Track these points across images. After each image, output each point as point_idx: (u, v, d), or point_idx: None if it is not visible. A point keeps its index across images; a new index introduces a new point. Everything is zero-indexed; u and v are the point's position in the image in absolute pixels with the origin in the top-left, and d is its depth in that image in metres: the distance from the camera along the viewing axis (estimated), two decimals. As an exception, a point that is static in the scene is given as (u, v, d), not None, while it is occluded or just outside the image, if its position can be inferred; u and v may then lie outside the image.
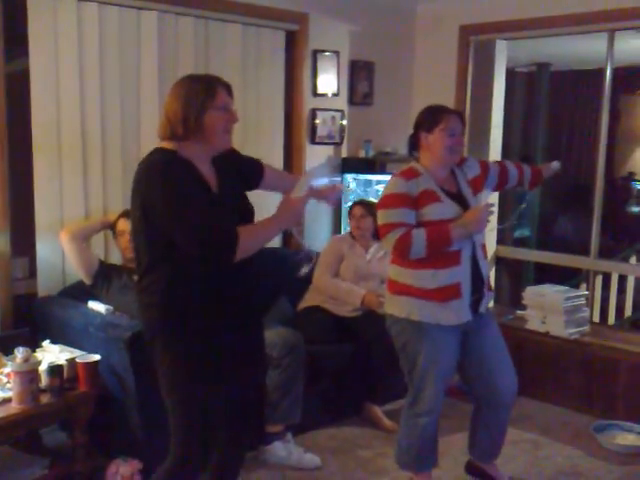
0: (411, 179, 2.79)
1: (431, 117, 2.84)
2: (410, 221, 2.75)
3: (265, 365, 2.56)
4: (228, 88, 2.29)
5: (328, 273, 3.97)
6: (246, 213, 2.36)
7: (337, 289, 3.91)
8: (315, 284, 3.99)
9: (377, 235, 4.02)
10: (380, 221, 2.84)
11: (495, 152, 5.03)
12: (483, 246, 2.89)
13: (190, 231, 2.12)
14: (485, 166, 3.06)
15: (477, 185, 2.93)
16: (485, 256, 2.91)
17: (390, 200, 2.80)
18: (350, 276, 3.95)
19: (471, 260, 2.80)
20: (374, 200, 4.59)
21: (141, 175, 2.19)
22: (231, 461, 2.53)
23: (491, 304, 3.01)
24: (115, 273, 3.44)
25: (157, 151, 2.25)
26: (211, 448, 2.46)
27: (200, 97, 2.20)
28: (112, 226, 3.55)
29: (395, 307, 2.86)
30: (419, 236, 2.70)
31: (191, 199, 2.13)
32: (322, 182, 2.38)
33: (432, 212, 2.76)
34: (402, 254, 2.76)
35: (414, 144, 2.92)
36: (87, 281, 3.42)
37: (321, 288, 3.97)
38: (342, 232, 4.54)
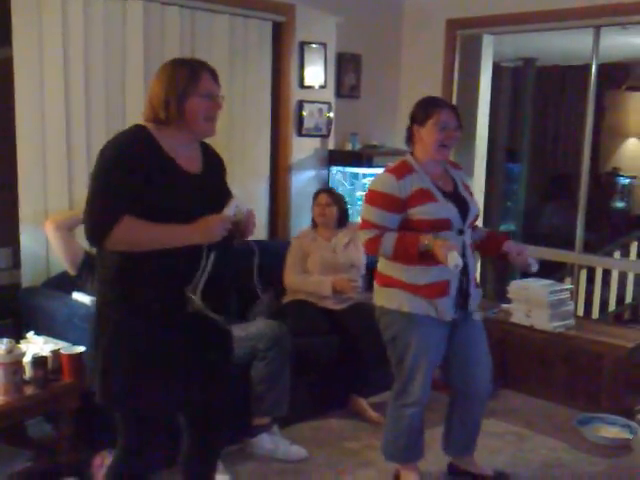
0: (403, 177, 2.78)
1: (424, 110, 2.82)
2: (390, 225, 2.76)
3: (230, 358, 2.46)
4: (214, 74, 2.24)
5: (293, 272, 3.96)
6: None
7: (305, 284, 3.91)
8: (285, 285, 4.00)
9: (341, 223, 4.06)
10: (362, 214, 2.86)
11: (481, 146, 5.05)
12: (471, 245, 2.90)
13: (87, 200, 2.11)
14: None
15: (469, 190, 2.95)
16: (472, 254, 2.92)
17: (376, 198, 2.80)
18: (318, 269, 3.95)
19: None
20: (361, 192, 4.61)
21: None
22: (201, 456, 2.49)
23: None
24: (100, 264, 3.41)
25: (132, 126, 2.22)
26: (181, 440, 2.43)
27: (183, 82, 2.16)
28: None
29: (385, 299, 2.86)
30: (387, 244, 2.73)
31: (112, 172, 2.09)
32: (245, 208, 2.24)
33: (426, 211, 2.75)
34: (371, 252, 2.86)
35: (409, 136, 2.91)
36: (72, 272, 3.39)
37: (291, 287, 3.97)
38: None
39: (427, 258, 2.69)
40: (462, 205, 2.83)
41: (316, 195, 4.13)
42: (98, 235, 2.09)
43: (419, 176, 2.80)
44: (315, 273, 3.95)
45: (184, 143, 2.22)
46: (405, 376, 2.87)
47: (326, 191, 4.16)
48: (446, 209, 2.78)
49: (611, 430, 3.67)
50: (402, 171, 2.80)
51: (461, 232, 2.81)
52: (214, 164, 2.36)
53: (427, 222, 2.74)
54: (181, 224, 2.13)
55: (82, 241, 3.54)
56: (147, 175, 2.10)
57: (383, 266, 2.89)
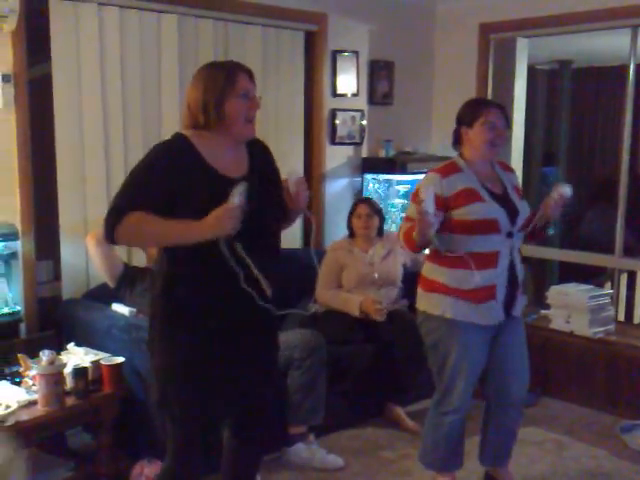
0: (448, 175, 2.75)
1: (471, 111, 2.80)
2: None
3: (275, 370, 2.47)
4: (250, 74, 2.23)
5: (326, 287, 3.92)
6: (274, 205, 2.27)
7: (336, 301, 3.87)
8: (317, 298, 3.97)
9: (380, 233, 4.02)
10: (406, 212, 2.85)
11: (517, 150, 4.99)
12: (519, 250, 2.86)
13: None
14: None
15: (519, 193, 2.89)
16: (521, 259, 2.87)
17: (416, 194, 2.76)
18: (354, 285, 3.90)
19: (508, 263, 2.77)
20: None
21: None
22: (242, 467, 2.51)
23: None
24: (139, 275, 3.46)
25: (173, 135, 2.23)
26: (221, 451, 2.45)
27: (220, 84, 2.14)
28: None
29: (428, 304, 2.83)
30: (401, 230, 2.73)
31: (135, 174, 2.12)
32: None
33: (473, 211, 2.71)
34: (408, 246, 2.75)
35: (457, 138, 2.88)
36: (111, 284, 3.44)
37: (322, 303, 3.95)
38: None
39: (482, 258, 2.69)
40: (511, 208, 2.79)
41: (355, 206, 4.06)
42: (108, 227, 2.09)
43: (466, 176, 2.77)
44: (350, 288, 3.90)
45: (226, 147, 2.21)
46: (445, 384, 2.84)
47: (365, 201, 4.08)
48: (493, 210, 2.73)
49: (654, 438, 3.60)
50: (448, 170, 2.78)
51: (510, 235, 2.77)
52: (263, 163, 2.32)
53: (474, 222, 2.70)
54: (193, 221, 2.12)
55: (121, 253, 3.62)
56: (186, 182, 2.10)
57: (428, 270, 2.86)
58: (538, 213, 2.80)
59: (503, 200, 2.79)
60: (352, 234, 4.05)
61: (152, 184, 2.11)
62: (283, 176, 2.31)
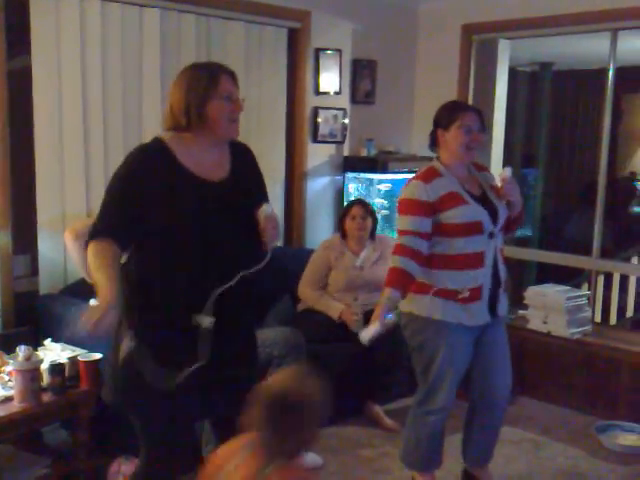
0: (430, 181, 2.77)
1: (448, 114, 2.82)
2: (424, 229, 2.73)
3: (254, 368, 2.45)
4: (232, 76, 2.21)
5: (310, 285, 3.92)
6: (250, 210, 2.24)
7: (317, 303, 3.88)
8: (299, 295, 3.97)
9: (372, 235, 4.00)
10: (398, 226, 2.83)
11: (498, 151, 5.03)
12: (501, 250, 2.88)
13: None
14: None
15: (498, 192, 2.88)
16: (503, 259, 2.89)
17: (406, 206, 2.79)
18: (340, 287, 3.89)
19: (492, 263, 2.79)
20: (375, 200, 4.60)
21: None
22: None
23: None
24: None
25: (152, 140, 2.21)
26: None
27: (202, 86, 2.13)
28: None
29: (415, 305, 2.83)
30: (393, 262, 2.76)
31: (121, 186, 2.11)
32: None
33: (458, 214, 2.73)
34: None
35: (434, 140, 2.89)
36: (89, 280, 3.40)
37: (302, 298, 3.94)
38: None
39: (469, 259, 2.71)
40: (491, 208, 2.81)
41: (349, 207, 4.00)
42: (87, 239, 2.10)
43: (447, 180, 2.78)
44: (337, 290, 3.90)
45: (208, 148, 2.19)
46: (430, 383, 2.85)
47: (359, 202, 4.03)
48: (477, 212, 2.75)
49: (629, 437, 3.64)
50: (429, 176, 2.80)
51: (492, 235, 2.79)
52: (244, 165, 2.30)
53: (459, 226, 2.72)
54: (195, 236, 2.10)
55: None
56: (163, 189, 2.08)
57: None
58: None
59: (483, 201, 2.82)
60: (344, 235, 4.00)
61: (128, 200, 2.09)
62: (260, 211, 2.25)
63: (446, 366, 2.80)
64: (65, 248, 3.47)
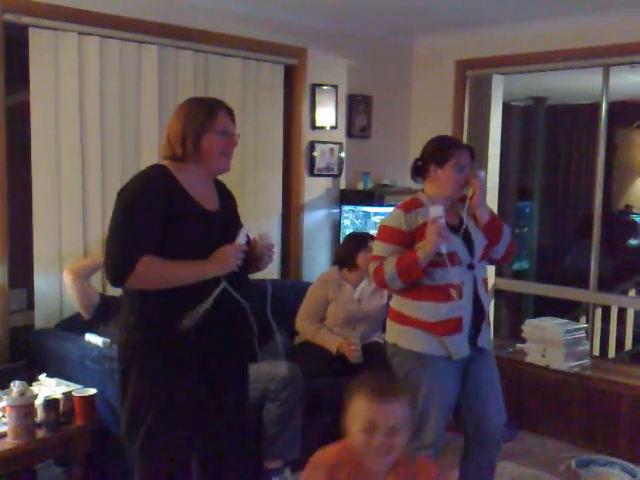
0: (411, 211, 2.79)
1: (442, 152, 2.82)
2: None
3: (247, 399, 2.49)
4: (230, 112, 2.29)
5: (308, 319, 3.90)
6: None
7: (315, 337, 3.86)
8: (297, 328, 3.95)
9: None
10: (373, 251, 2.89)
11: (493, 185, 5.05)
12: (484, 280, 2.88)
13: (108, 239, 2.17)
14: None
15: (477, 223, 2.89)
16: (486, 290, 2.89)
17: (383, 233, 2.84)
18: (339, 322, 3.87)
19: (472, 294, 2.79)
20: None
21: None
22: None
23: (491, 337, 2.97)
24: (114, 306, 3.41)
25: (150, 166, 2.27)
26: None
27: (200, 119, 2.21)
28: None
29: (397, 337, 2.84)
30: (388, 268, 2.73)
31: (131, 211, 2.14)
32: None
33: None
34: (380, 285, 2.85)
35: (420, 171, 2.90)
36: (86, 316, 3.39)
37: (300, 331, 3.93)
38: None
39: (446, 290, 2.70)
40: (468, 239, 2.81)
41: (366, 241, 3.83)
42: (120, 275, 2.12)
43: (426, 210, 2.79)
44: (335, 325, 3.87)
45: (201, 181, 2.27)
46: (418, 418, 2.82)
47: (373, 237, 4.00)
48: (452, 243, 2.74)
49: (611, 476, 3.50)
50: (410, 206, 2.83)
51: (471, 266, 2.79)
52: (228, 200, 2.40)
53: (434, 256, 2.71)
54: (200, 260, 2.16)
55: (97, 286, 3.59)
56: (168, 213, 2.14)
57: (396, 303, 2.87)
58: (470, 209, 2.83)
59: (458, 231, 2.81)
60: (350, 266, 3.92)
61: (151, 222, 2.13)
62: (253, 235, 2.34)
63: (431, 398, 2.77)
64: (61, 282, 3.47)
